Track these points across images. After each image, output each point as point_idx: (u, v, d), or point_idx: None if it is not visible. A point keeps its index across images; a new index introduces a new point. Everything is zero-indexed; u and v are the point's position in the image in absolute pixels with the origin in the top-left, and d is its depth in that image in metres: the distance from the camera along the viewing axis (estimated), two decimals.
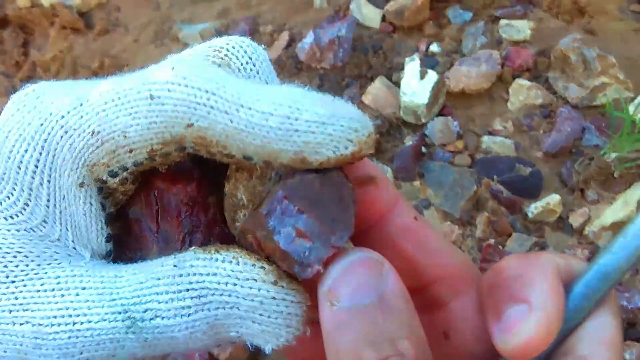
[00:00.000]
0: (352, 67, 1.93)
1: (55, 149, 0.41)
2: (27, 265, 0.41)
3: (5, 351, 0.40)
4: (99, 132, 0.41)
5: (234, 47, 0.43)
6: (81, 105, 0.41)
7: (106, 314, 0.39)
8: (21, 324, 0.40)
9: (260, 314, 0.39)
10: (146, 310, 0.39)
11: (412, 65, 1.85)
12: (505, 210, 1.70)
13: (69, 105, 0.42)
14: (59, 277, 0.41)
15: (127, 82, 0.42)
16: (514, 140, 1.80)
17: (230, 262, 0.40)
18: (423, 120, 1.82)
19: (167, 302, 0.39)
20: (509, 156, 1.77)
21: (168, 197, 0.45)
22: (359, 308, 0.37)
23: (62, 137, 0.41)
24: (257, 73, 0.44)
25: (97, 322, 0.39)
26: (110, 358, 0.41)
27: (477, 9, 2.01)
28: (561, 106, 1.83)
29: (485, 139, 1.81)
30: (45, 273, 0.41)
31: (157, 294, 0.40)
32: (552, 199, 1.69)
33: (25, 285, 0.40)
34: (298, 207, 0.39)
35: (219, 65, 0.43)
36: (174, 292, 0.39)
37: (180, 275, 0.40)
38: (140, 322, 0.39)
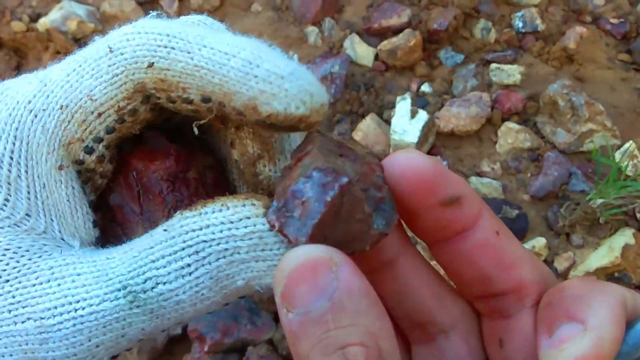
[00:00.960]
0: (344, 103, 1.94)
1: (29, 136, 0.41)
2: (17, 262, 0.40)
3: (11, 355, 0.39)
4: (67, 106, 0.41)
5: (190, 16, 0.45)
6: (45, 85, 0.41)
7: (105, 294, 0.38)
8: (23, 322, 0.39)
9: (262, 249, 0.39)
10: (146, 280, 0.39)
11: (403, 104, 1.87)
12: None
13: (35, 89, 0.41)
14: (52, 267, 0.40)
15: (85, 51, 0.42)
16: (501, 182, 1.82)
17: (220, 210, 0.39)
18: None
19: (165, 267, 0.39)
20: (496, 198, 1.78)
21: (147, 175, 0.44)
22: (312, 315, 0.35)
23: (32, 121, 0.41)
24: (206, 23, 0.45)
25: (99, 304, 0.38)
26: (120, 339, 0.40)
27: (468, 51, 2.04)
28: (549, 150, 1.85)
29: (473, 179, 1.82)
30: (38, 266, 0.40)
31: (153, 261, 0.39)
32: (538, 242, 1.70)
33: (20, 282, 0.39)
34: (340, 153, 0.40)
35: None
36: (170, 255, 0.39)
37: (173, 237, 0.39)
38: (142, 293, 0.38)
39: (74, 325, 0.38)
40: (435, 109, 1.92)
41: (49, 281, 0.39)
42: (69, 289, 0.39)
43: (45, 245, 0.41)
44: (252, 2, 2.20)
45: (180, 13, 2.20)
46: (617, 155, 1.76)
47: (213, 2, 2.18)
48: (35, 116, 0.41)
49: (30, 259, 0.40)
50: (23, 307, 0.38)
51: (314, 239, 0.37)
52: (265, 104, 0.38)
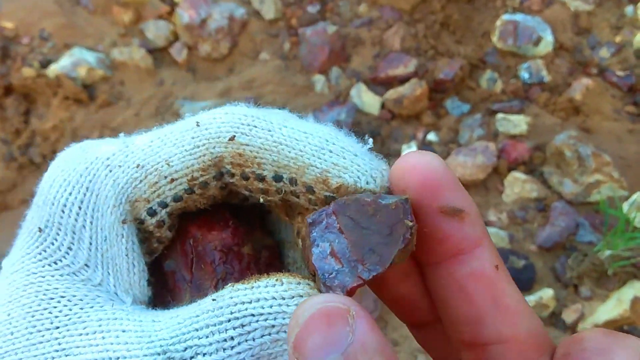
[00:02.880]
0: None
1: (99, 188, 0.42)
2: (70, 310, 0.40)
3: None
4: (143, 166, 0.42)
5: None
6: (127, 147, 0.43)
7: (145, 355, 0.38)
8: None
9: None
10: (186, 349, 0.37)
11: None
12: None
13: (116, 149, 0.43)
14: (100, 319, 0.39)
15: (174, 125, 0.44)
16: (508, 232, 1.80)
17: (274, 285, 0.38)
18: None
19: (207, 337, 0.37)
20: (503, 248, 1.76)
21: (203, 244, 0.45)
22: None
23: (106, 175, 0.42)
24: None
25: (137, 357, 0.38)
26: None
27: (474, 101, 2.05)
28: (556, 201, 1.83)
29: None
30: (88, 316, 0.40)
31: (197, 329, 0.38)
32: (545, 294, 1.67)
33: (68, 330, 0.39)
34: (340, 226, 0.38)
35: None
36: (215, 325, 0.37)
37: (220, 307, 0.38)
38: None
39: None
40: (442, 158, 1.91)
41: (94, 332, 0.39)
42: (112, 344, 0.38)
43: (98, 297, 0.41)
44: (260, 50, 2.22)
45: (189, 61, 2.23)
46: (625, 206, 1.75)
47: (222, 51, 2.21)
48: (110, 171, 0.42)
49: (82, 309, 0.40)
50: (66, 355, 0.38)
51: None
52: (336, 176, 0.40)
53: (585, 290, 1.69)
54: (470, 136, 1.96)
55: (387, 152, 1.95)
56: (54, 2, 2.30)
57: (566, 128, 1.96)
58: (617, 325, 1.61)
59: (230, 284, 0.39)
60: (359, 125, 1.99)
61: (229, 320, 0.37)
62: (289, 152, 0.40)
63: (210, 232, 0.45)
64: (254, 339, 0.37)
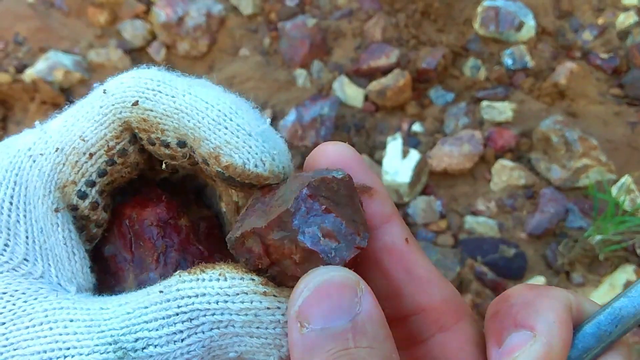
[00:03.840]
0: None
1: (27, 180, 0.41)
2: (14, 305, 0.39)
3: None
4: (62, 148, 0.42)
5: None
6: (45, 133, 0.43)
7: (96, 345, 0.38)
8: None
9: (257, 327, 0.38)
10: (137, 340, 0.38)
11: (394, 144, 1.84)
12: (489, 292, 1.65)
13: (35, 137, 0.43)
14: (46, 309, 0.39)
15: (85, 98, 0.43)
16: (497, 221, 1.78)
17: (218, 279, 0.38)
18: (405, 200, 1.80)
19: (157, 329, 0.38)
20: (492, 237, 1.74)
21: (140, 222, 0.45)
22: (331, 331, 0.35)
23: (30, 166, 0.42)
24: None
25: (88, 354, 0.38)
26: None
27: (458, 90, 2.03)
28: (544, 187, 1.81)
29: (469, 219, 1.78)
30: (33, 308, 0.39)
31: (147, 322, 0.38)
32: (537, 281, 1.65)
33: (14, 324, 0.39)
34: (325, 207, 0.38)
35: None
36: (163, 318, 0.38)
37: (168, 300, 0.38)
38: (132, 352, 0.38)
39: None
40: (427, 148, 1.89)
41: (41, 324, 0.38)
42: (60, 334, 0.38)
43: (41, 288, 0.40)
44: (239, 46, 2.19)
45: (168, 60, 2.19)
46: (614, 190, 1.73)
47: (201, 48, 2.17)
48: (34, 161, 0.42)
49: (26, 302, 0.39)
50: (14, 350, 0.38)
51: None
52: (227, 155, 0.40)
53: (577, 277, 1.67)
54: (456, 125, 1.94)
55: (373, 144, 1.93)
56: (27, 6, 2.25)
57: (552, 113, 1.94)
58: None
59: (177, 273, 0.40)
60: (343, 119, 1.97)
61: (177, 314, 0.38)
62: (188, 121, 0.41)
63: (145, 209, 0.45)
64: (203, 332, 0.38)
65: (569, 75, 2.00)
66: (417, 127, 1.96)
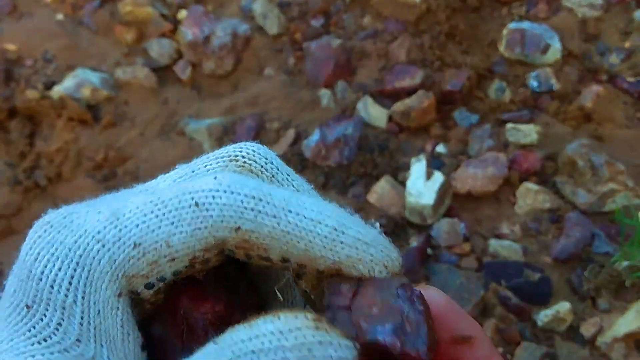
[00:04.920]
0: (358, 165, 1.92)
1: (92, 263, 0.40)
2: None
3: None
4: (140, 244, 0.41)
5: (247, 153, 0.45)
6: (118, 219, 0.42)
7: None
8: None
9: None
10: None
11: (418, 166, 1.84)
12: (513, 317, 1.63)
13: (105, 221, 0.42)
14: None
15: (164, 193, 0.42)
16: (521, 245, 1.76)
17: (272, 321, 0.38)
18: (429, 221, 1.79)
19: None
20: (517, 261, 1.73)
21: (195, 316, 0.44)
22: None
23: (99, 250, 0.41)
24: (278, 170, 0.46)
25: None
26: None
27: (483, 112, 2.02)
28: (570, 211, 1.80)
29: (493, 242, 1.77)
30: None
31: None
32: (562, 307, 1.63)
33: None
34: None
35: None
36: None
37: (222, 349, 0.37)
38: None
39: None
40: (451, 170, 1.88)
41: None
42: None
43: None
44: (264, 66, 2.21)
45: (193, 79, 2.21)
46: None
47: (226, 67, 2.19)
48: (103, 246, 0.41)
49: None
50: None
51: (430, 347, 0.38)
52: (351, 267, 0.40)
53: (603, 303, 1.65)
54: (480, 147, 1.93)
55: (396, 165, 1.92)
56: (56, 24, 2.29)
57: (578, 137, 1.92)
58: (637, 338, 1.57)
59: (230, 327, 0.39)
60: (366, 139, 1.97)
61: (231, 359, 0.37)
62: (298, 243, 0.40)
63: (203, 305, 0.44)
64: None
65: (595, 99, 1.98)
66: (441, 149, 1.95)
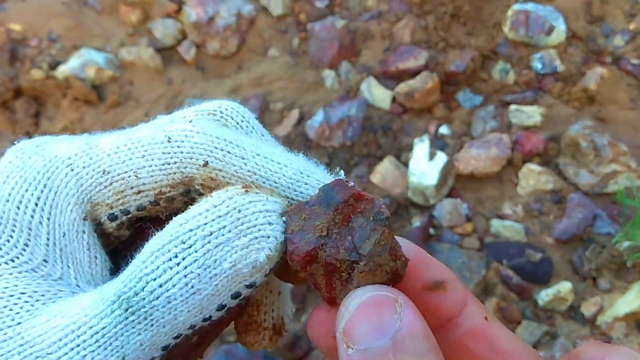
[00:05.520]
0: (361, 146, 1.92)
1: (59, 185, 0.42)
2: (32, 305, 0.40)
3: None
4: (109, 172, 0.42)
5: (226, 109, 0.47)
6: (90, 148, 0.43)
7: (103, 311, 0.38)
8: None
9: (242, 222, 0.40)
10: (137, 283, 0.38)
11: (421, 146, 1.84)
12: (515, 296, 1.65)
13: (77, 149, 0.43)
14: (61, 304, 0.40)
15: (139, 130, 0.44)
16: (523, 225, 1.77)
17: (206, 200, 0.40)
18: (431, 202, 1.80)
19: (152, 262, 0.39)
20: (518, 241, 1.74)
21: None
22: (373, 352, 0.35)
23: (67, 174, 0.42)
24: (253, 129, 0.47)
25: (98, 323, 0.38)
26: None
27: (487, 93, 2.02)
28: (572, 192, 1.80)
29: (495, 222, 1.77)
30: (49, 308, 0.40)
31: (143, 261, 0.39)
32: (563, 287, 1.64)
33: (29, 323, 0.39)
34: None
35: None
36: (158, 250, 0.39)
37: (162, 235, 0.40)
38: (134, 297, 0.38)
39: (78, 353, 0.38)
40: (454, 151, 1.89)
41: (55, 316, 0.39)
42: (71, 316, 0.39)
43: (60, 290, 0.41)
44: (268, 47, 2.21)
45: (197, 59, 2.21)
46: None
47: (230, 48, 2.19)
48: (72, 170, 0.42)
49: (44, 304, 0.40)
50: (31, 347, 0.38)
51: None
52: None
53: (604, 283, 1.66)
54: (484, 128, 1.93)
55: (399, 146, 1.93)
56: (61, 4, 2.29)
57: (581, 118, 1.92)
58: (637, 318, 1.58)
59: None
60: (370, 120, 1.97)
61: (170, 242, 0.39)
62: (263, 183, 0.42)
63: None
64: (196, 250, 0.39)
65: (599, 81, 1.98)
66: (444, 130, 1.96)
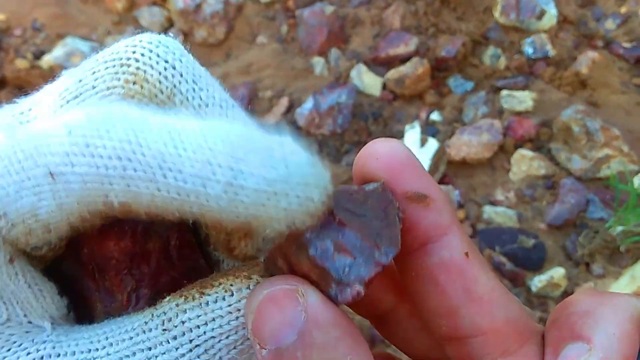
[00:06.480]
0: (352, 133, 1.90)
1: None
2: None
3: None
4: (6, 214, 0.34)
5: (143, 55, 0.37)
6: None
7: None
8: None
9: None
10: None
11: (412, 133, 1.82)
12: (508, 282, 1.63)
13: None
14: None
15: (18, 146, 0.34)
16: (516, 211, 1.76)
17: (224, 297, 0.34)
18: None
19: None
20: (511, 227, 1.72)
21: (101, 255, 0.38)
22: (282, 351, 0.32)
23: None
24: (181, 76, 0.37)
25: None
26: None
27: (478, 78, 2.00)
28: (564, 177, 1.79)
29: (487, 209, 1.76)
30: None
31: None
32: (557, 273, 1.63)
33: None
34: (339, 219, 0.34)
35: (131, 94, 0.36)
36: (177, 359, 0.34)
37: (175, 338, 0.34)
38: None
39: None
40: (446, 137, 1.87)
41: None
42: None
43: (12, 335, 0.35)
44: (257, 34, 2.18)
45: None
46: (636, 181, 1.70)
47: (218, 36, 2.16)
48: None
49: (5, 358, 0.34)
50: None
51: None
52: (262, 228, 0.33)
53: (597, 268, 1.65)
54: (475, 114, 1.92)
55: (390, 133, 1.91)
56: None
57: (573, 103, 1.91)
58: None
59: (171, 300, 0.35)
60: (360, 107, 1.95)
61: (191, 350, 0.34)
62: (190, 208, 0.32)
63: (106, 243, 0.38)
64: (220, 358, 0.34)
65: (591, 65, 1.97)
66: (435, 116, 1.94)
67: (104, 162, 0.32)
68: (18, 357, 0.34)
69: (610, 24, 2.07)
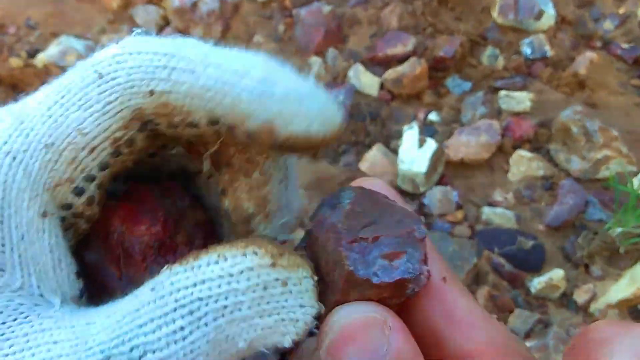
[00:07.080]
0: (349, 134, 1.89)
1: (5, 182, 0.35)
2: None
3: None
4: (53, 144, 0.35)
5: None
6: (22, 122, 0.36)
7: None
8: None
9: (268, 302, 0.34)
10: (132, 349, 0.33)
11: (410, 134, 1.81)
12: (507, 284, 1.62)
13: (9, 128, 0.36)
14: (27, 334, 0.34)
15: (66, 77, 0.36)
16: (515, 212, 1.75)
17: (217, 262, 0.34)
18: (421, 189, 1.77)
19: (154, 331, 0.33)
20: (510, 228, 1.71)
21: (130, 239, 0.39)
22: None
23: (10, 164, 0.35)
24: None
25: None
26: None
27: (476, 79, 2.00)
28: (563, 179, 1.78)
29: (486, 209, 1.75)
30: (13, 332, 0.34)
31: (141, 325, 0.33)
32: (556, 274, 1.62)
33: None
34: (369, 237, 0.35)
35: None
36: (160, 317, 0.33)
37: (162, 297, 0.34)
38: None
39: None
40: (444, 138, 1.86)
41: (22, 350, 0.33)
42: (44, 359, 0.33)
43: (21, 305, 0.35)
44: (253, 33, 2.17)
45: None
46: (635, 182, 1.70)
47: (214, 34, 2.15)
48: (14, 158, 0.35)
49: (4, 323, 0.34)
50: None
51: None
52: (284, 126, 0.34)
53: (596, 270, 1.64)
54: (473, 115, 1.91)
55: (388, 133, 1.90)
56: None
57: (571, 103, 1.90)
58: (630, 305, 1.57)
59: (167, 267, 0.35)
60: (358, 107, 1.94)
61: (175, 310, 0.33)
62: (223, 99, 0.34)
63: (138, 226, 0.39)
64: (206, 324, 0.34)
65: (589, 65, 1.96)
66: (433, 117, 1.93)
67: (149, 57, 0.35)
68: (22, 329, 0.34)
69: (608, 25, 2.07)
